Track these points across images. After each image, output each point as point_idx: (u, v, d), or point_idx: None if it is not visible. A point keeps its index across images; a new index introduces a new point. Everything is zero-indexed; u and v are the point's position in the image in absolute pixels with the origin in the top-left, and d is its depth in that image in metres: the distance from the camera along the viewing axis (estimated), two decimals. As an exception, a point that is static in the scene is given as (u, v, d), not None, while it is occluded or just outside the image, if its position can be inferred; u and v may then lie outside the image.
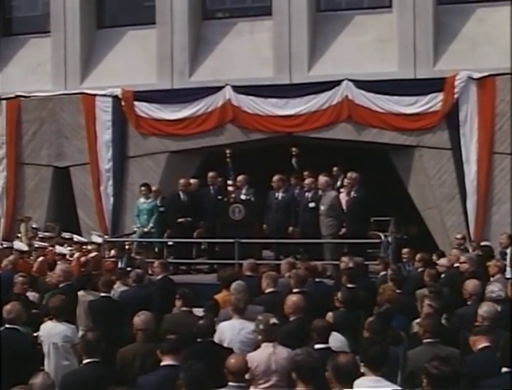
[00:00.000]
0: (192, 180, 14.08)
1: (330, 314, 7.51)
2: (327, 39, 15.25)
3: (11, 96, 16.47)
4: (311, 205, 12.41)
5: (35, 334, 7.62)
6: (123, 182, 15.86)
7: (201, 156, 15.76)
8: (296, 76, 15.06)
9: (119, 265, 11.87)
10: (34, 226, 15.07)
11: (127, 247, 13.36)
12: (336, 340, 6.51)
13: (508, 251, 11.52)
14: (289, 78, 15.11)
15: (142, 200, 13.69)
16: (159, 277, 9.94)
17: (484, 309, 6.74)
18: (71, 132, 16.15)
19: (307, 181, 12.76)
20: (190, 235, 13.12)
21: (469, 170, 14.11)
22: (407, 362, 6.21)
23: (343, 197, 12.47)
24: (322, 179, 12.38)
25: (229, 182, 13.50)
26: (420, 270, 9.98)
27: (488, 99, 14.04)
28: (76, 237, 13.49)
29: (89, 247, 12.89)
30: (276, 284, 8.48)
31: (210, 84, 15.27)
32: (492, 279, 9.06)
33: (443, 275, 9.62)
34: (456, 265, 10.00)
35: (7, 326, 6.98)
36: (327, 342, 6.12)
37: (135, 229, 13.75)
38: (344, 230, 12.14)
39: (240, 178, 13.27)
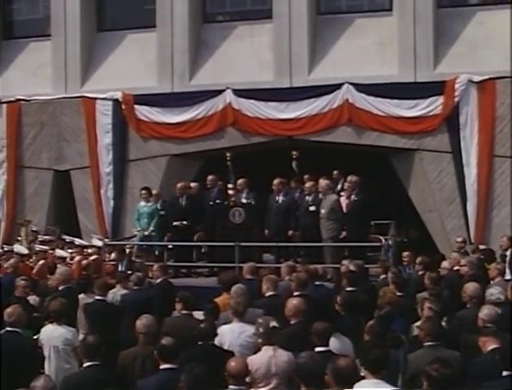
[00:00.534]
0: (192, 184, 14.09)
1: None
2: (328, 42, 15.26)
3: (12, 99, 16.47)
4: (311, 208, 12.41)
5: (35, 337, 7.63)
6: (124, 185, 15.86)
7: (202, 159, 15.76)
8: (296, 80, 15.07)
9: (120, 268, 11.88)
10: (34, 229, 15.08)
11: (127, 250, 13.36)
12: (337, 342, 6.51)
13: (508, 253, 11.53)
14: (290, 81, 15.12)
15: (143, 203, 13.69)
16: (159, 280, 9.95)
17: (485, 312, 6.74)
18: (72, 136, 16.16)
19: (307, 185, 12.76)
20: (189, 238, 13.13)
21: (469, 173, 14.12)
22: (408, 365, 6.21)
23: (343, 201, 12.46)
24: (323, 182, 12.38)
25: (229, 185, 13.48)
26: (420, 273, 9.97)
27: (488, 102, 14.05)
28: (78, 241, 13.50)
29: (90, 250, 12.90)
30: (277, 288, 8.48)
31: (211, 87, 15.27)
32: (492, 282, 9.06)
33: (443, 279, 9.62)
34: (456, 268, 10.01)
35: (8, 329, 7.00)
36: (327, 345, 6.12)
37: (135, 232, 13.76)
38: (344, 233, 12.13)
39: (240, 181, 13.28)
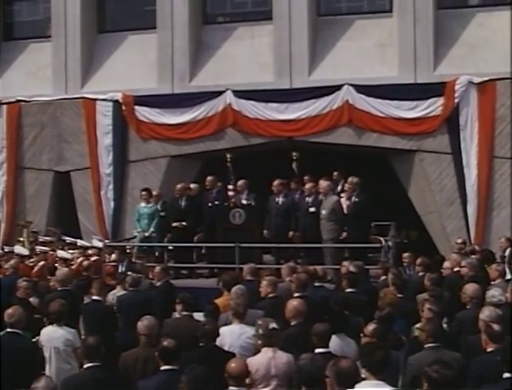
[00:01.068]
0: (192, 185, 14.11)
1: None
2: (328, 43, 15.26)
3: (12, 100, 16.48)
4: (311, 209, 12.41)
5: (35, 339, 7.62)
6: (124, 186, 15.86)
7: (202, 160, 15.76)
8: (296, 81, 15.07)
9: (120, 269, 11.87)
10: (34, 230, 15.08)
11: (127, 251, 13.36)
12: (341, 342, 6.51)
13: (507, 253, 11.53)
14: (290, 82, 15.12)
15: (143, 204, 13.70)
16: (160, 282, 9.96)
17: (486, 313, 6.73)
18: (72, 137, 16.16)
19: (307, 186, 12.76)
20: (190, 239, 13.13)
21: (469, 174, 14.12)
22: (409, 367, 6.20)
23: (344, 202, 12.48)
24: (323, 183, 12.39)
25: (230, 186, 13.49)
26: (421, 274, 9.96)
27: (488, 103, 14.05)
28: (80, 242, 13.50)
29: (90, 251, 12.90)
30: (277, 289, 8.48)
31: (211, 88, 15.28)
32: (492, 283, 9.06)
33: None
34: (456, 269, 10.01)
35: (8, 330, 6.99)
36: (327, 346, 6.12)
37: (135, 234, 13.76)
38: (344, 234, 12.15)
39: (240, 182, 13.29)
